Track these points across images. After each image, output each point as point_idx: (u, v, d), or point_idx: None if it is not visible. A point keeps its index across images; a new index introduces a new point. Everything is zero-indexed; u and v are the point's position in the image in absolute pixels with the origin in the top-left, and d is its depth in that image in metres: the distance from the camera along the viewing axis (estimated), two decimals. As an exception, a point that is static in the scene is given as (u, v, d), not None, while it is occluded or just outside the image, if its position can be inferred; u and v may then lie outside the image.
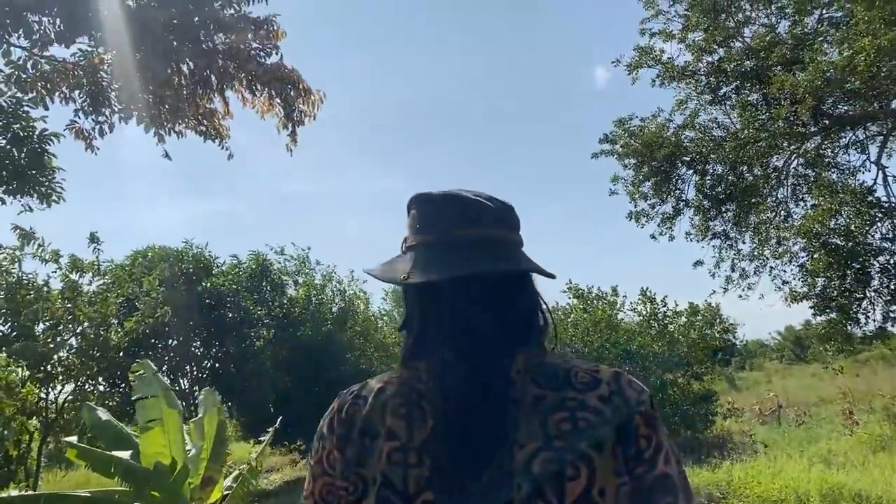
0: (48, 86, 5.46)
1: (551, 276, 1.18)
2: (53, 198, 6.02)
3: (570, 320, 15.28)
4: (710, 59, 17.25)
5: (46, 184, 5.86)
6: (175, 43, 5.38)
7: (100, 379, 14.04)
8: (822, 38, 14.89)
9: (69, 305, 13.26)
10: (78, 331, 13.32)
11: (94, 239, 14.23)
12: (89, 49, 5.67)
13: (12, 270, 13.56)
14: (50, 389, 12.88)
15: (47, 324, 12.95)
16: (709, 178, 18.60)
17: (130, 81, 5.43)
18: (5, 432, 6.94)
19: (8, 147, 5.67)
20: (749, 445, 13.29)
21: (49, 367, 13.39)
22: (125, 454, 6.83)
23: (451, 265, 1.10)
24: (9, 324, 12.67)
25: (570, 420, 1.02)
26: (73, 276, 13.37)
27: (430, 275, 1.10)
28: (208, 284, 15.39)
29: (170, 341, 15.05)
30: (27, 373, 12.66)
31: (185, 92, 5.62)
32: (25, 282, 13.15)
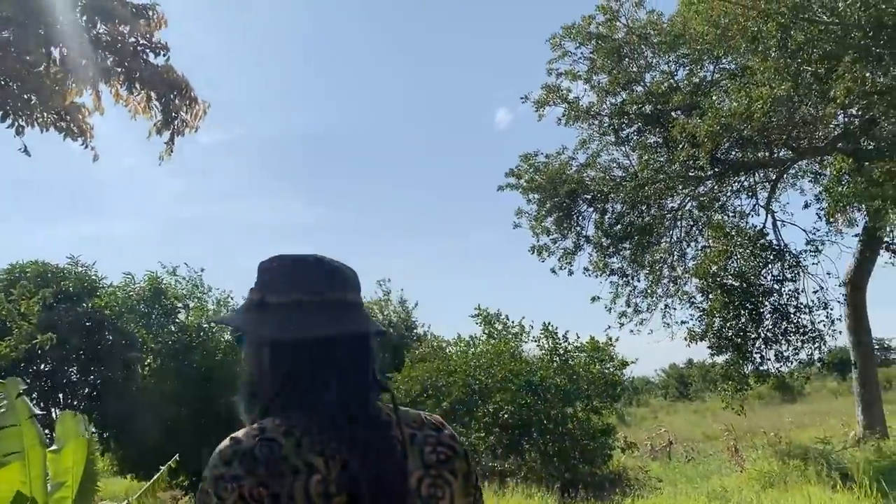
0: None
1: (383, 333, 1.44)
2: None
3: (475, 351, 15.13)
4: (613, 100, 17.81)
5: None
6: (55, 25, 4.82)
7: None
8: (718, 87, 15.63)
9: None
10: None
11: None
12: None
13: None
14: None
15: None
16: (608, 216, 19.07)
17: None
18: None
19: None
20: (645, 481, 13.43)
21: None
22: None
23: (334, 324, 1.29)
24: None
25: (434, 453, 1.31)
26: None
27: (325, 331, 1.28)
28: (90, 306, 14.28)
29: (42, 365, 13.82)
30: None
31: (53, 81, 5.01)
32: None
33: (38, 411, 7.43)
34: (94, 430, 7.60)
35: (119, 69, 5.36)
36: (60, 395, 14.20)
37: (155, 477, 6.67)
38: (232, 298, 18.28)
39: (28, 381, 14.19)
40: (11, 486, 6.34)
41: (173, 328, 16.56)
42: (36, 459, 6.51)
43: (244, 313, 1.37)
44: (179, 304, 17.02)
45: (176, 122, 5.67)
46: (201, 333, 16.77)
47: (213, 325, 17.43)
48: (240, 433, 1.23)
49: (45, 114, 5.08)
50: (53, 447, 7.14)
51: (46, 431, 8.25)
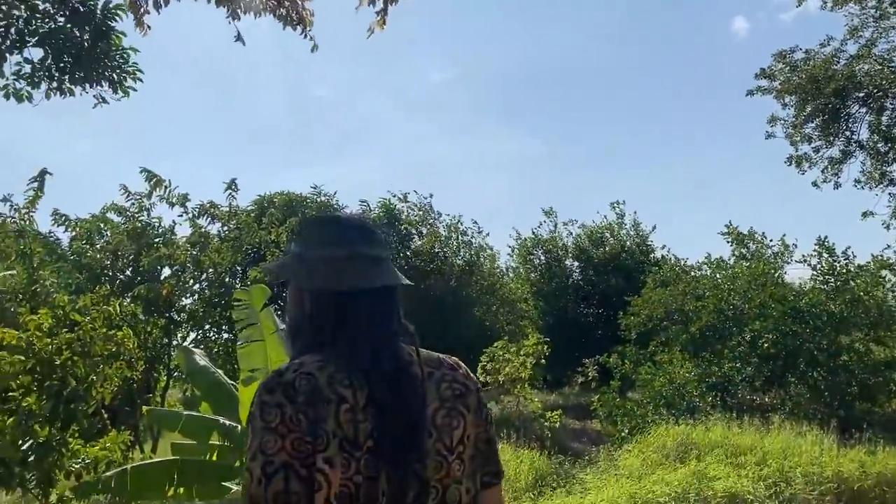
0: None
1: (411, 284, 1.62)
2: (128, 84, 5.20)
3: (726, 274, 13.59)
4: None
5: (117, 68, 5.04)
6: None
7: (224, 327, 13.86)
8: None
9: (194, 252, 13.04)
10: (202, 278, 13.10)
11: (231, 186, 14.02)
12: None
13: (141, 218, 13.49)
14: (173, 337, 12.77)
15: (171, 270, 12.84)
16: (887, 115, 16.24)
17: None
18: (93, 378, 6.23)
19: (68, 27, 4.87)
20: (943, 422, 11.28)
21: (173, 314, 13.31)
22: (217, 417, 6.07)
23: (361, 277, 1.47)
24: (131, 268, 12.62)
25: (450, 388, 1.48)
26: (201, 222, 13.19)
27: (364, 283, 1.47)
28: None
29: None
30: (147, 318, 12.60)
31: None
32: (151, 228, 13.03)
33: (282, 326, 7.51)
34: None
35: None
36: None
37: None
38: (462, 223, 18.22)
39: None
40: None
41: (408, 253, 16.81)
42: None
43: (287, 264, 1.56)
44: (413, 231, 17.21)
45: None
46: (435, 259, 16.86)
47: (445, 251, 17.48)
48: (282, 367, 1.41)
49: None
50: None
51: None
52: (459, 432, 1.44)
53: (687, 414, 10.55)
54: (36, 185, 12.64)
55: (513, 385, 12.45)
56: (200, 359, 7.06)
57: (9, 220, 12.68)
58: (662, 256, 21.05)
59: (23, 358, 6.07)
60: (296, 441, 1.31)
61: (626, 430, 11.30)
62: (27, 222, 12.56)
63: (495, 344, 12.77)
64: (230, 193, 14.06)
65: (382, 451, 1.33)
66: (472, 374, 1.55)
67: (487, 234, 19.09)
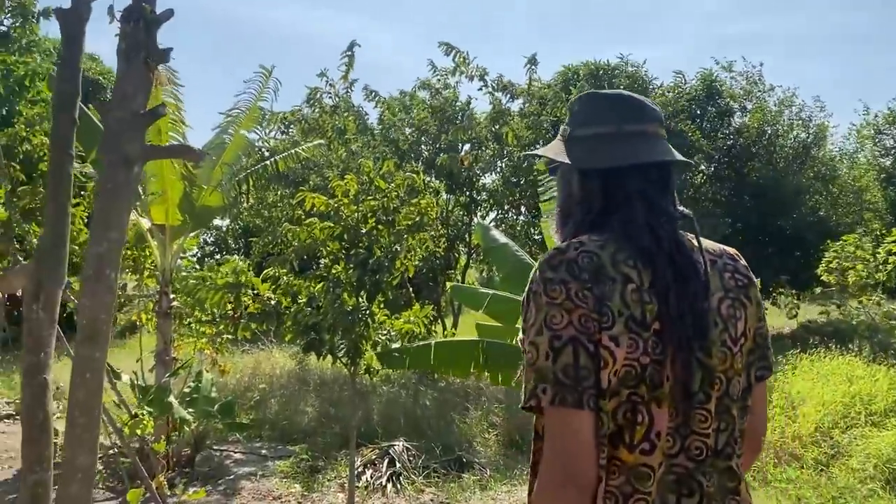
0: None
1: (690, 164, 1.71)
2: None
3: None
4: None
5: None
6: None
7: (522, 209, 13.32)
8: None
9: (495, 128, 12.47)
10: (503, 154, 12.51)
11: (531, 61, 13.18)
12: None
13: (444, 93, 13.21)
14: (474, 215, 12.50)
15: (470, 145, 12.45)
16: None
17: None
18: (397, 248, 5.95)
19: None
20: None
21: (474, 193, 13.02)
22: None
23: (631, 153, 1.42)
24: (434, 144, 12.44)
25: (733, 279, 1.41)
26: (500, 96, 12.50)
27: (631, 159, 1.42)
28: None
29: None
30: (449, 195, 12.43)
31: None
32: (450, 103, 12.66)
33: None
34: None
35: None
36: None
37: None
38: (797, 96, 15.38)
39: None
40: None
41: (728, 132, 14.67)
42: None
43: (557, 146, 1.52)
44: (736, 105, 14.91)
45: None
46: (763, 139, 14.51)
47: (777, 128, 14.98)
48: (562, 245, 1.35)
49: None
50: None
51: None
52: (742, 324, 1.39)
53: None
54: (347, 59, 12.90)
55: (862, 291, 10.29)
56: (499, 235, 6.40)
57: (324, 94, 13.20)
58: None
59: (331, 224, 6.00)
60: (582, 317, 1.27)
61: None
62: (343, 96, 12.95)
63: (844, 238, 10.56)
64: (530, 68, 13.16)
65: (669, 333, 1.27)
66: (749, 268, 1.49)
67: (831, 114, 16.06)
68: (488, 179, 13.24)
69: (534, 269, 1.34)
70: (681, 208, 1.44)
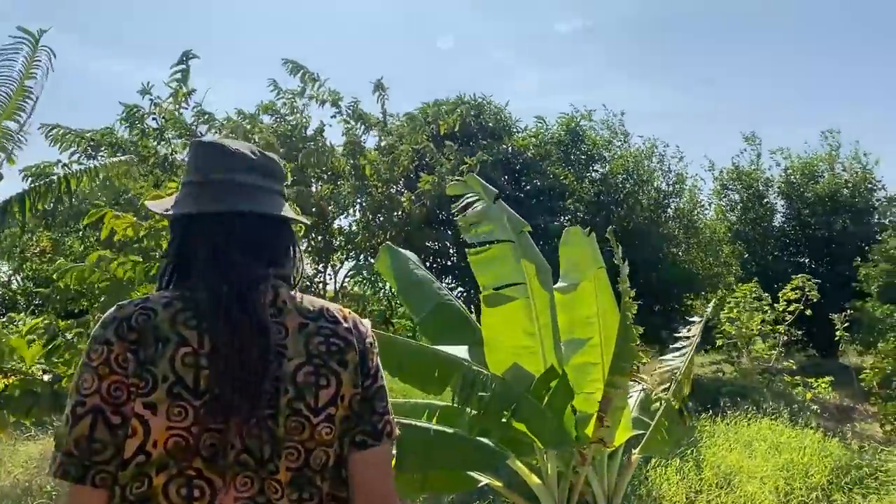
0: None
1: (304, 223, 1.56)
2: None
3: None
4: None
5: None
6: None
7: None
8: None
9: (352, 161, 10.83)
10: (366, 188, 10.76)
11: (379, 87, 11.60)
12: None
13: (289, 119, 11.45)
14: (328, 265, 10.72)
15: (326, 176, 10.72)
16: None
17: None
18: None
19: None
20: None
21: (328, 237, 11.27)
22: (457, 350, 3.75)
23: (210, 202, 1.32)
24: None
25: (325, 343, 1.30)
26: (354, 124, 10.83)
27: (193, 208, 1.33)
28: (510, 147, 12.27)
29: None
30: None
31: None
32: (297, 129, 10.90)
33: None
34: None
35: None
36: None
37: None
38: (657, 146, 15.10)
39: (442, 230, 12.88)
40: (511, 339, 3.95)
41: (595, 178, 14.05)
42: (542, 301, 4.05)
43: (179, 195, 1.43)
44: (601, 152, 14.35)
45: None
46: (625, 187, 13.99)
47: (635, 181, 14.56)
48: (125, 301, 1.28)
49: None
50: (560, 283, 4.72)
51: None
52: (330, 391, 1.29)
53: None
54: (180, 74, 10.77)
55: (748, 342, 9.67)
56: (411, 255, 4.72)
57: (149, 116, 10.94)
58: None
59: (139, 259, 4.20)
60: (113, 384, 1.19)
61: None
62: (175, 114, 10.68)
63: (742, 287, 9.95)
64: (380, 94, 11.53)
65: (221, 401, 1.19)
66: (362, 326, 1.39)
67: (690, 163, 16.00)
68: (345, 221, 11.47)
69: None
70: (286, 263, 1.37)
